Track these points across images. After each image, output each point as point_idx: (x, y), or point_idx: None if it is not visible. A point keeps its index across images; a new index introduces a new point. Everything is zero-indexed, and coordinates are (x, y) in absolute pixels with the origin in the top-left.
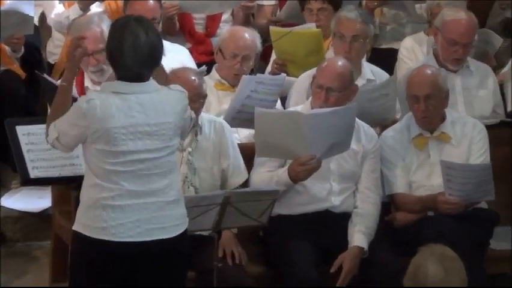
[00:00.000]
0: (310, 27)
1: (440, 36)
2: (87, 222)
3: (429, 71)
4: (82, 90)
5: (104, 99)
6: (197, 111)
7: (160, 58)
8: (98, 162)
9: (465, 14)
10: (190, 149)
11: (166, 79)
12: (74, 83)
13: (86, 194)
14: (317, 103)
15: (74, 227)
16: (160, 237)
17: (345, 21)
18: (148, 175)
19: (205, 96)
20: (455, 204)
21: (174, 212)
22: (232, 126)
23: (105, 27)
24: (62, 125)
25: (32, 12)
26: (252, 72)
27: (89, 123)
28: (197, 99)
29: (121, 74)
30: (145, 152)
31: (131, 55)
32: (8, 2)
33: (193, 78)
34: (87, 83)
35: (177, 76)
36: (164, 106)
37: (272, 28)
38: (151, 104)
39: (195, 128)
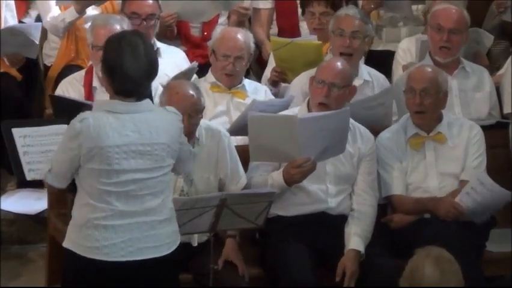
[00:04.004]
0: (311, 39)
1: (429, 29)
2: (79, 242)
3: (430, 69)
4: (90, 91)
5: (97, 118)
6: (195, 126)
7: (157, 71)
8: (92, 182)
9: (455, 6)
10: None
11: None
12: (82, 83)
13: (78, 212)
14: (317, 98)
15: (66, 244)
16: (151, 256)
17: (345, 17)
18: (141, 196)
19: (203, 109)
20: (459, 212)
21: (166, 230)
22: (239, 135)
23: (125, 27)
24: (56, 154)
25: (38, 38)
26: (249, 73)
27: (83, 142)
28: (195, 114)
29: (119, 87)
30: (138, 172)
31: (132, 64)
32: (18, 24)
33: (191, 93)
34: (95, 83)
35: (175, 92)
36: (158, 126)
37: (273, 38)
38: (145, 123)
39: (192, 140)
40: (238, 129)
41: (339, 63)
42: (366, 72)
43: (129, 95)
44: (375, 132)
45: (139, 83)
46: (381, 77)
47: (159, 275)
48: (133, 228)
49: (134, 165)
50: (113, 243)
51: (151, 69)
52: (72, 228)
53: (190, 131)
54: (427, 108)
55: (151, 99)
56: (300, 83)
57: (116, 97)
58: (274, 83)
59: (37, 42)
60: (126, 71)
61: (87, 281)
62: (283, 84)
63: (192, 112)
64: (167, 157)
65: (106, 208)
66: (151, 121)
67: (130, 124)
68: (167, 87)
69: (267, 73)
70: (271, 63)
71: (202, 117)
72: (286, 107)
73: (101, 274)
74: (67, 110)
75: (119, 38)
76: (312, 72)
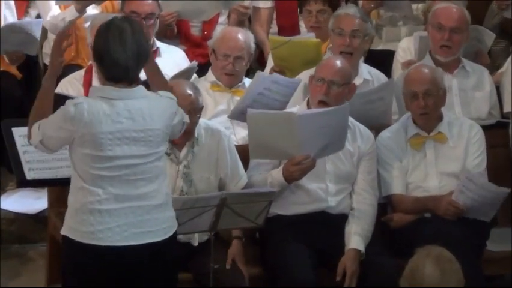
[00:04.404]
0: (309, 36)
1: (429, 28)
2: (75, 226)
3: (426, 69)
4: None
5: (92, 104)
6: (194, 126)
7: (146, 56)
8: (85, 167)
9: (456, 6)
10: (186, 162)
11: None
12: (82, 82)
13: (74, 197)
14: (316, 97)
15: (63, 231)
16: (148, 241)
17: (345, 16)
18: (134, 180)
19: (201, 108)
20: (458, 209)
21: (161, 215)
22: (240, 120)
23: None
24: (47, 128)
25: (39, 34)
26: (249, 72)
27: (76, 127)
28: (193, 114)
29: (108, 73)
30: (131, 158)
31: (118, 48)
32: (18, 20)
33: (189, 92)
34: (95, 82)
35: (173, 90)
36: (153, 113)
37: (271, 36)
38: (139, 110)
39: (191, 140)
40: (240, 112)
41: (338, 61)
42: (367, 71)
43: (119, 80)
44: (375, 129)
45: (127, 68)
46: (381, 75)
47: (156, 261)
48: (128, 212)
49: (127, 151)
50: (108, 228)
51: (140, 54)
52: (68, 214)
53: (188, 130)
54: (430, 109)
55: None
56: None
57: (108, 83)
58: None
59: (38, 38)
60: (113, 56)
61: (85, 267)
62: None
63: (190, 111)
64: (161, 143)
65: (100, 192)
66: (144, 108)
67: (124, 111)
68: None
69: (267, 74)
70: (271, 63)
71: (200, 116)
72: (291, 87)
73: (97, 259)
74: None
75: (108, 24)
76: (312, 71)
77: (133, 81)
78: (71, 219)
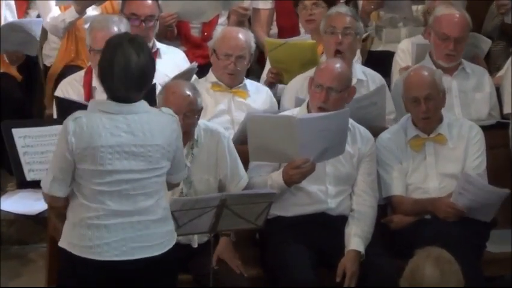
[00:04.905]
0: (305, 38)
1: (432, 34)
2: (73, 241)
3: (425, 72)
4: (89, 91)
5: (91, 118)
6: (192, 127)
7: (150, 81)
8: (84, 183)
9: (457, 11)
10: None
11: None
12: (82, 83)
13: (72, 212)
14: (316, 103)
15: (61, 244)
16: (146, 256)
17: (336, 15)
18: (134, 195)
19: (200, 110)
20: (458, 211)
21: (160, 230)
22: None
23: (123, 29)
24: (53, 164)
25: (38, 34)
26: (249, 73)
27: (76, 141)
28: (192, 115)
29: (110, 94)
30: (131, 172)
31: (121, 78)
32: (18, 19)
33: (187, 93)
34: (95, 83)
35: (172, 91)
36: (153, 128)
37: (267, 39)
38: (139, 125)
39: (190, 141)
40: (243, 133)
41: (337, 66)
42: (361, 72)
43: (120, 101)
44: (371, 132)
45: (129, 94)
46: (376, 76)
47: (154, 274)
48: (126, 227)
49: (127, 165)
50: (106, 243)
51: (142, 81)
52: (66, 228)
53: (186, 131)
54: (432, 112)
55: (154, 99)
56: (295, 86)
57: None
58: (270, 85)
59: (38, 38)
60: (116, 81)
61: (81, 281)
62: (279, 86)
63: (188, 112)
64: (161, 159)
65: (99, 208)
66: (145, 123)
67: (123, 125)
68: (165, 87)
69: (264, 75)
70: (269, 65)
71: (199, 117)
72: None
73: (95, 273)
74: (71, 113)
75: (115, 45)
76: (306, 75)
77: (136, 101)
78: (69, 233)
